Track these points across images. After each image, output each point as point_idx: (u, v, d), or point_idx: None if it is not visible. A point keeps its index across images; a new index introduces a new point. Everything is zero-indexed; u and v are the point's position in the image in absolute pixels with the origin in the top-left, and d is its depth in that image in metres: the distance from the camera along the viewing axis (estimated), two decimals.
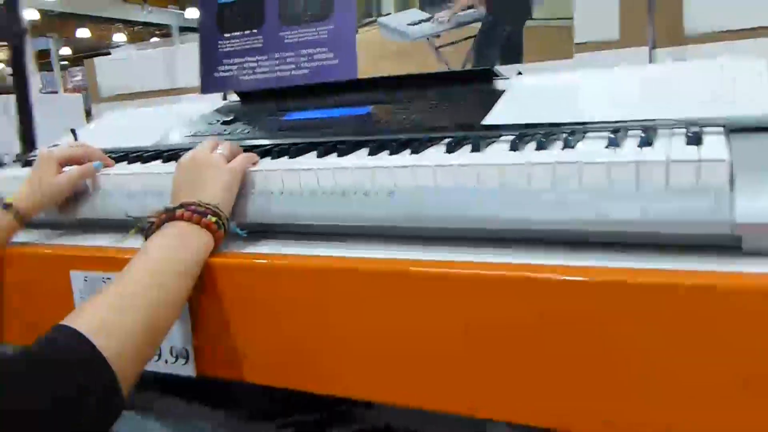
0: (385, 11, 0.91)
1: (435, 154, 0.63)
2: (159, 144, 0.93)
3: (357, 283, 0.57)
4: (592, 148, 0.57)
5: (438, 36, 0.87)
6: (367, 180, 0.62)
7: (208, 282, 0.63)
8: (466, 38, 0.86)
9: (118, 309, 0.53)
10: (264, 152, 0.76)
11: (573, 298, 0.48)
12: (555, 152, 0.56)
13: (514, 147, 0.61)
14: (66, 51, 14.98)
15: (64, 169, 0.79)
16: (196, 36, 1.05)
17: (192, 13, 12.96)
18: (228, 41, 1.04)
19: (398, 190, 0.60)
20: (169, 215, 0.63)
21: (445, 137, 0.69)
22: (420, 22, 0.87)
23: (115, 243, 0.72)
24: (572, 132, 0.63)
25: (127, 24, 13.99)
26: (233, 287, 0.63)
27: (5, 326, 0.78)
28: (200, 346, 0.65)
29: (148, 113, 1.13)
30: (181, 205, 0.63)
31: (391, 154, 0.66)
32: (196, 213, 0.62)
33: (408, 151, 0.66)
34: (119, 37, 14.56)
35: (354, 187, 0.62)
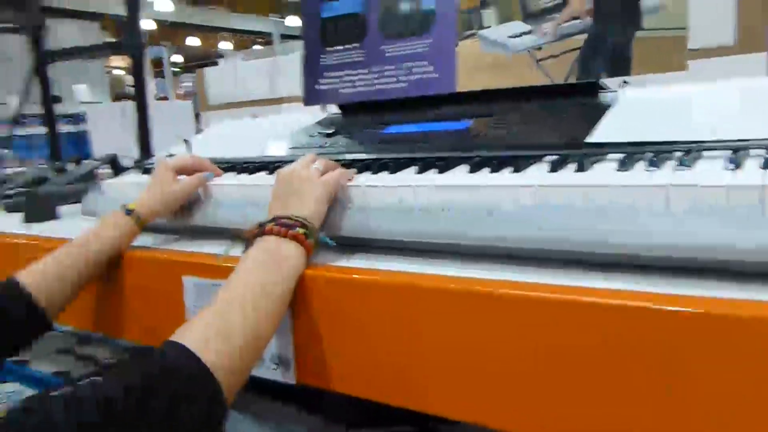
0: (485, 24, 0.90)
1: (537, 173, 0.62)
2: (264, 155, 0.96)
3: (447, 302, 0.57)
4: (708, 169, 0.54)
5: (540, 48, 0.85)
6: (467, 198, 0.61)
7: (307, 293, 0.65)
8: (569, 50, 0.83)
9: (221, 324, 0.56)
10: (364, 167, 0.77)
11: (671, 329, 0.45)
12: (668, 173, 0.54)
13: (623, 167, 0.58)
14: (177, 58, 15.96)
15: (179, 177, 0.84)
16: (296, 43, 1.09)
17: (292, 21, 13.45)
18: (330, 55, 1.07)
19: (498, 209, 0.60)
20: (261, 230, 0.66)
21: (548, 155, 0.67)
22: (522, 34, 0.86)
23: (222, 253, 0.76)
24: (686, 151, 0.60)
25: (232, 32, 14.73)
26: (330, 299, 0.65)
27: (124, 324, 0.84)
28: (300, 354, 0.67)
29: (253, 124, 1.19)
30: (273, 219, 0.66)
31: (491, 172, 0.65)
32: (284, 226, 0.65)
33: (510, 169, 0.65)
34: (225, 45, 15.35)
35: (453, 206, 0.62)
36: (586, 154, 0.64)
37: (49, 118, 1.85)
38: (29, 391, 1.27)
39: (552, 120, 0.77)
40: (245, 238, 0.67)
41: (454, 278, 0.58)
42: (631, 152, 0.62)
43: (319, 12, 1.09)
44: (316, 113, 1.16)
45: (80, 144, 3.37)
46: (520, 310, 0.52)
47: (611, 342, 0.48)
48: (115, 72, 14.55)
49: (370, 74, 1.02)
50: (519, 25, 0.87)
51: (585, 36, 0.82)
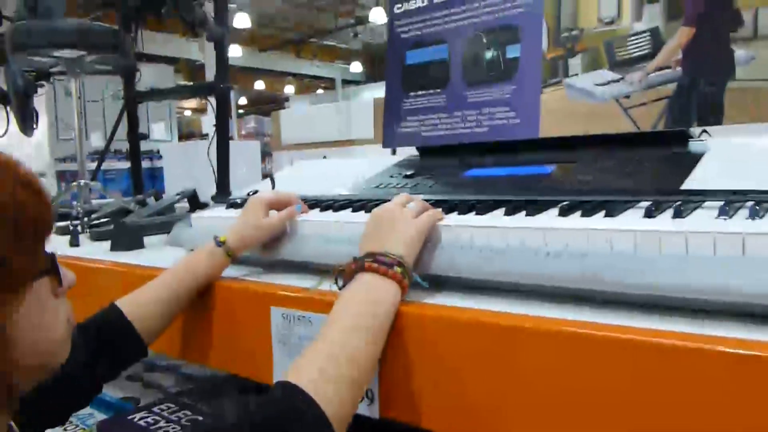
0: (571, 72, 0.92)
1: (632, 218, 0.62)
2: (347, 194, 0.99)
3: (537, 343, 0.56)
4: None
5: (627, 97, 0.86)
6: (559, 241, 0.62)
7: (394, 328, 0.66)
8: (657, 99, 0.84)
9: (328, 363, 0.58)
10: (449, 208, 0.78)
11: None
12: None
13: (724, 214, 0.58)
14: (241, 101, 16.63)
15: (270, 212, 0.88)
16: (356, 88, 1.13)
17: (356, 67, 13.88)
18: (412, 99, 1.10)
19: (592, 253, 0.60)
20: (359, 265, 0.67)
21: (641, 201, 0.67)
22: (609, 82, 0.87)
23: (311, 286, 0.78)
24: None
25: (297, 77, 15.28)
26: (417, 336, 0.65)
27: (211, 352, 0.87)
28: (385, 389, 0.68)
29: (332, 164, 1.23)
30: (370, 255, 0.67)
31: (583, 215, 0.66)
32: (383, 264, 0.66)
33: (602, 213, 0.65)
34: (289, 89, 15.92)
35: (545, 248, 0.62)
36: (682, 201, 0.63)
37: (134, 154, 1.95)
38: (101, 416, 1.31)
39: (641, 168, 0.77)
40: (341, 271, 0.69)
41: (544, 318, 0.58)
42: (729, 200, 0.61)
43: (403, 58, 1.13)
44: (386, 155, 1.19)
45: (156, 179, 3.53)
46: (609, 353, 0.52)
47: (720, 389, 0.47)
48: (186, 113, 15.28)
49: (451, 119, 1.04)
50: (606, 74, 0.88)
51: (675, 85, 0.82)
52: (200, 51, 10.94)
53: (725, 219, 0.57)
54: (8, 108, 1.96)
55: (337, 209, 0.90)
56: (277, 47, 13.55)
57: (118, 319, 0.77)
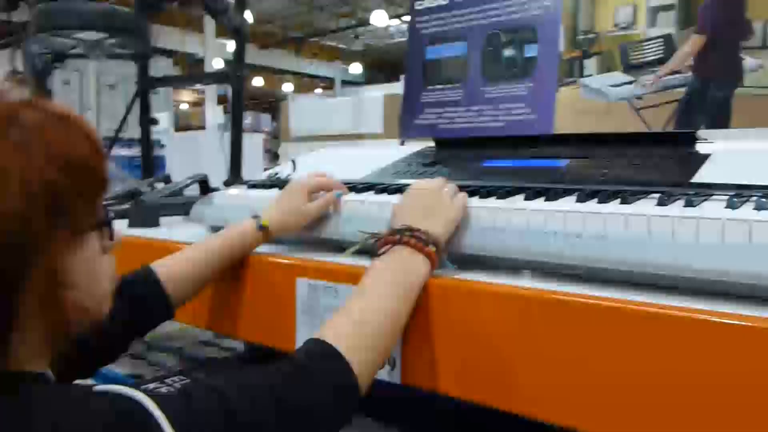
0: (587, 73, 0.97)
1: (646, 205, 0.67)
2: (371, 179, 1.02)
3: (554, 315, 0.61)
4: None
5: (640, 98, 0.91)
6: (578, 224, 0.67)
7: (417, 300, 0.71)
8: (668, 102, 0.89)
9: (357, 325, 0.63)
10: (471, 192, 0.83)
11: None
12: None
13: (732, 205, 0.63)
14: None
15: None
16: (355, 89, 1.17)
17: (355, 69, 13.94)
18: (431, 93, 1.15)
19: (610, 235, 0.64)
20: (398, 238, 0.71)
21: (653, 192, 0.72)
22: (622, 84, 0.92)
23: (337, 258, 0.82)
24: None
25: (296, 75, 15.31)
26: (440, 307, 0.70)
27: (238, 323, 0.91)
28: (407, 356, 0.72)
29: (351, 152, 1.27)
30: (409, 229, 0.71)
31: (599, 202, 0.70)
32: (420, 240, 0.70)
33: (618, 200, 0.70)
34: (287, 87, 15.94)
35: (565, 230, 0.67)
36: (692, 193, 0.68)
37: (145, 140, 1.99)
38: None
39: (651, 164, 0.82)
40: (378, 239, 0.73)
41: (553, 291, 0.63)
42: (738, 194, 0.66)
43: (423, 54, 1.17)
44: (395, 147, 1.24)
45: (157, 168, 3.59)
46: (610, 323, 0.57)
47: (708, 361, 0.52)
48: (182, 106, 15.25)
49: (468, 113, 1.09)
50: (620, 76, 0.93)
51: (685, 89, 0.87)
52: (200, 45, 10.96)
53: (733, 209, 0.62)
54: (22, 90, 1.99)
55: (378, 192, 0.92)
56: (277, 45, 13.57)
57: (150, 279, 0.80)
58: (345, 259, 0.81)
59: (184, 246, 0.94)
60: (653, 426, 0.55)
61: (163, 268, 0.82)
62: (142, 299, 0.80)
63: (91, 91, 1.58)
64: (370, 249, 0.75)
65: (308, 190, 0.89)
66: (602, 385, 0.58)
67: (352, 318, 0.63)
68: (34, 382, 0.49)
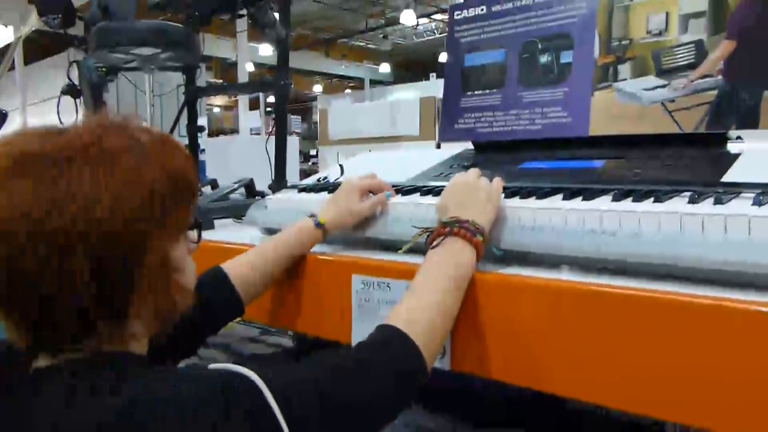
0: (621, 77, 1.02)
1: (678, 204, 0.72)
2: (416, 181, 1.08)
3: (585, 304, 0.67)
4: None
5: (672, 101, 0.96)
6: (614, 222, 0.72)
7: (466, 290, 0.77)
8: (700, 104, 0.94)
9: (421, 313, 0.69)
10: (512, 193, 0.89)
11: None
12: None
13: (758, 202, 0.68)
14: (270, 98, 16.79)
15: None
16: (384, 89, 1.22)
17: (384, 68, 14.03)
18: (470, 98, 1.21)
19: (643, 232, 0.70)
20: (448, 230, 0.77)
21: (685, 191, 0.77)
22: (656, 88, 0.97)
23: (389, 256, 0.89)
24: None
25: (325, 76, 15.47)
26: (486, 299, 0.76)
27: (297, 317, 0.98)
28: (456, 344, 0.79)
29: (394, 156, 1.34)
30: (457, 221, 0.77)
31: (633, 201, 0.76)
32: (468, 231, 0.76)
33: (651, 199, 0.75)
34: (317, 88, 16.12)
35: (602, 228, 0.73)
36: (721, 192, 0.73)
37: (193, 146, 2.09)
38: None
39: (684, 164, 0.87)
40: (430, 232, 0.79)
41: (592, 284, 0.69)
42: (765, 191, 0.71)
43: (462, 61, 1.24)
44: (434, 150, 1.30)
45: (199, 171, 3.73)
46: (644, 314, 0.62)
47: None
48: (215, 110, 15.55)
49: (506, 116, 1.15)
50: (653, 80, 0.98)
51: (716, 92, 0.92)
52: (233, 50, 11.18)
53: (759, 206, 0.67)
54: (77, 101, 2.11)
55: (424, 194, 0.98)
56: (307, 47, 13.74)
57: (223, 279, 0.88)
58: (399, 257, 0.87)
59: (243, 247, 1.02)
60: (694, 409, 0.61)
61: (233, 269, 0.90)
62: (217, 298, 0.87)
63: (147, 102, 1.68)
64: (422, 246, 0.82)
65: (360, 190, 0.96)
66: (635, 369, 0.64)
67: (414, 308, 0.70)
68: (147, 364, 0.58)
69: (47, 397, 0.53)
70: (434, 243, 0.77)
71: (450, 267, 0.74)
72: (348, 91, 15.87)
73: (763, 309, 0.57)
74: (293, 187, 1.28)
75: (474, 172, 0.86)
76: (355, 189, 0.96)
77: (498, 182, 0.85)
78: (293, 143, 3.68)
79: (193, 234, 0.67)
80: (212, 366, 0.54)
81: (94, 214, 0.52)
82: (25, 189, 0.52)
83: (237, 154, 3.66)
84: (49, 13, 2.07)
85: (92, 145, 0.55)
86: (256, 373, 0.53)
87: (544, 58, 1.11)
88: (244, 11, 1.54)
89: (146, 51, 1.65)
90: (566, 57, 1.08)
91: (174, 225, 0.60)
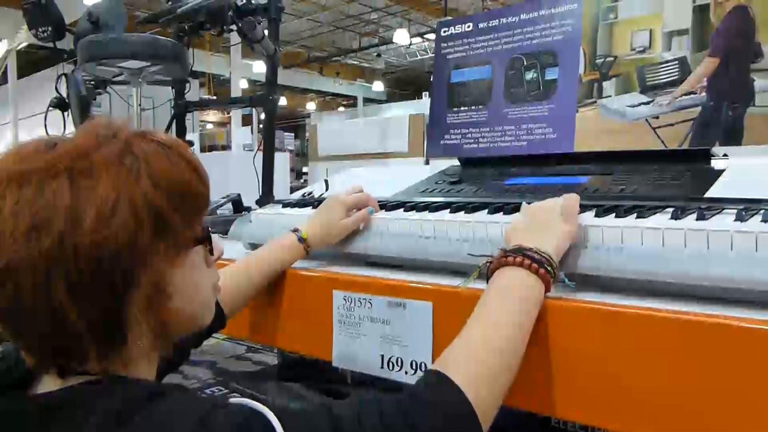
0: (606, 94, 1.02)
1: (661, 219, 0.72)
2: (401, 197, 1.08)
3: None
4: None
5: (656, 117, 0.96)
6: (597, 237, 0.72)
7: None
8: (684, 121, 0.94)
9: (483, 360, 0.60)
10: (495, 209, 0.88)
11: None
12: None
13: (740, 218, 0.67)
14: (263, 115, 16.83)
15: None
16: (377, 107, 1.22)
17: (378, 87, 14.13)
18: (456, 114, 1.21)
19: (626, 247, 0.69)
20: (510, 259, 0.68)
21: (668, 207, 0.76)
22: (640, 104, 0.97)
23: (373, 271, 0.88)
24: None
25: (319, 94, 15.55)
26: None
27: (276, 333, 0.97)
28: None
29: (380, 171, 1.33)
30: (521, 249, 0.68)
31: (617, 217, 0.75)
32: (534, 261, 0.67)
33: (634, 215, 0.75)
34: (310, 106, 16.19)
35: (584, 242, 0.72)
36: (704, 208, 0.73)
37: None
38: None
39: (667, 180, 0.87)
40: (490, 262, 0.71)
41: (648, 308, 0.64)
42: (746, 207, 0.70)
43: (448, 77, 1.24)
44: (422, 166, 1.29)
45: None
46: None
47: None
48: (207, 126, 15.57)
49: (492, 133, 1.15)
50: (637, 97, 0.98)
51: (699, 109, 0.92)
52: (226, 66, 11.21)
53: (741, 221, 0.66)
54: (65, 113, 2.10)
55: (408, 210, 0.97)
56: (300, 64, 13.82)
57: None
58: (379, 273, 0.86)
59: (227, 262, 1.01)
60: None
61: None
62: None
63: (134, 115, 1.67)
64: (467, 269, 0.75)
65: (345, 206, 0.94)
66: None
67: (471, 350, 0.61)
68: (158, 391, 0.51)
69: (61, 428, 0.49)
70: (495, 274, 0.69)
71: (517, 304, 0.65)
72: (341, 108, 15.95)
73: None
74: (278, 202, 1.27)
75: (555, 199, 0.76)
76: (339, 204, 0.94)
77: (572, 199, 0.75)
78: (284, 159, 3.67)
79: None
80: (234, 400, 0.51)
81: (78, 231, 0.48)
82: (8, 208, 0.48)
83: (228, 170, 3.66)
84: (39, 26, 2.08)
85: (80, 158, 0.50)
86: (275, 414, 0.49)
87: (529, 75, 1.11)
88: (233, 26, 1.54)
89: (134, 64, 1.65)
90: (551, 74, 1.08)
91: (175, 242, 0.54)
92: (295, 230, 0.94)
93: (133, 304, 0.51)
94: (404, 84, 15.47)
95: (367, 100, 15.23)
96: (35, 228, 0.47)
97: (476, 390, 0.57)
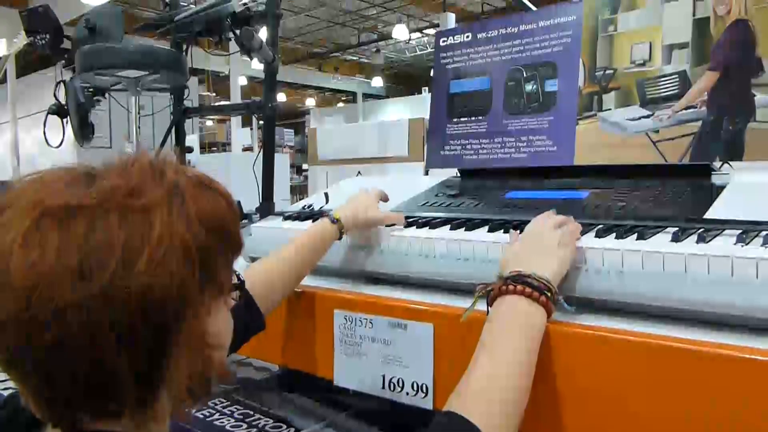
0: (605, 107, 1.01)
1: (661, 241, 0.71)
2: (401, 209, 1.07)
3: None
4: None
5: (657, 131, 0.95)
6: (597, 259, 0.72)
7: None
8: (684, 135, 0.93)
9: (495, 397, 0.61)
10: (498, 225, 0.88)
11: None
12: None
13: (741, 241, 0.67)
14: None
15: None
16: (377, 102, 1.21)
17: (377, 82, 14.08)
18: (455, 125, 1.21)
19: (627, 270, 0.69)
20: (507, 287, 0.68)
21: (668, 227, 0.76)
22: (640, 118, 0.97)
23: (375, 290, 0.88)
24: None
25: (318, 90, 15.51)
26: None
27: (279, 350, 0.97)
28: (439, 383, 0.77)
29: (379, 181, 1.33)
30: (518, 276, 0.68)
31: (617, 238, 0.75)
32: (535, 289, 0.67)
33: (634, 236, 0.74)
34: (310, 102, 16.15)
35: (584, 265, 0.72)
36: (705, 229, 0.72)
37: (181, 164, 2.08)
38: None
39: (668, 196, 0.86)
40: (489, 291, 0.70)
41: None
42: (747, 229, 0.70)
43: (448, 88, 1.23)
44: (421, 175, 1.29)
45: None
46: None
47: None
48: (207, 123, 15.52)
49: (492, 144, 1.14)
50: (637, 110, 0.98)
51: (700, 123, 0.91)
52: (225, 63, 11.18)
53: (742, 245, 0.66)
54: (64, 120, 2.10)
55: (421, 226, 0.95)
56: (299, 61, 13.77)
57: (245, 297, 0.78)
58: (382, 291, 0.86)
59: None
60: None
61: (252, 276, 0.82)
62: (240, 318, 0.81)
63: (132, 122, 1.66)
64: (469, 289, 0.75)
65: (378, 197, 0.97)
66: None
67: (487, 389, 0.61)
68: None
69: None
70: (495, 302, 0.69)
71: (521, 336, 0.65)
72: (340, 104, 15.92)
73: None
74: (279, 214, 1.27)
75: (551, 218, 0.77)
76: (374, 194, 0.98)
77: (573, 226, 0.75)
78: (284, 160, 3.67)
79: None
80: None
81: (130, 272, 0.44)
82: (52, 245, 0.44)
83: (228, 172, 3.66)
84: (36, 33, 2.07)
85: (131, 197, 0.46)
86: None
87: (529, 87, 1.11)
88: (231, 35, 1.54)
89: (133, 73, 1.65)
90: (551, 85, 1.08)
91: (214, 283, 0.50)
92: (327, 215, 0.94)
93: (176, 347, 0.48)
94: (404, 79, 15.43)
95: (367, 96, 15.19)
96: (88, 268, 0.44)
97: (492, 427, 0.58)
